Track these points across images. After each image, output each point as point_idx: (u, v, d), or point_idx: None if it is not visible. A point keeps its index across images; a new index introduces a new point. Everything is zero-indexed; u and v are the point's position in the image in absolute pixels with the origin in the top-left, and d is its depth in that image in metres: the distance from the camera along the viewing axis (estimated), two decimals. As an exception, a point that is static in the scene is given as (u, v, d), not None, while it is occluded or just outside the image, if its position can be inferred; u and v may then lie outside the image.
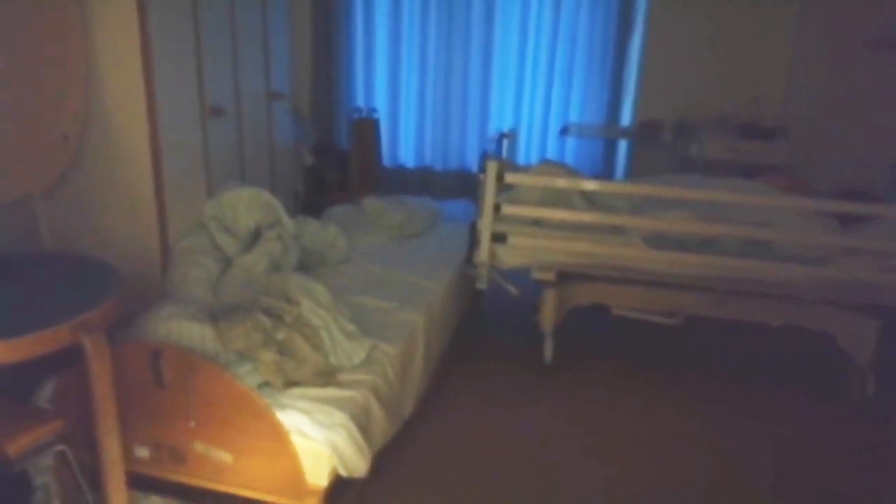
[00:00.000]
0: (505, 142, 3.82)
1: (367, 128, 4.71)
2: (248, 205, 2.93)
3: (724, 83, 4.44)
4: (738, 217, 2.98)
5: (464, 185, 4.89)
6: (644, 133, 4.59)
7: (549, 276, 3.05)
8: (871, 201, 2.99)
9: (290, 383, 2.12)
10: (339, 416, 1.99)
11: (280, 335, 2.17)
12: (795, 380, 3.20)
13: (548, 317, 3.10)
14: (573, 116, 4.77)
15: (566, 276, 3.10)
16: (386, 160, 4.95)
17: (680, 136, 4.45)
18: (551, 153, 4.85)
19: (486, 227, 2.99)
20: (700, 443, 2.69)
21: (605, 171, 4.83)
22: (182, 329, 2.16)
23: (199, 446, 2.03)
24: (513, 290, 3.11)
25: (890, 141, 3.85)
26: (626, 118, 4.74)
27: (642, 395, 3.01)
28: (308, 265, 3.06)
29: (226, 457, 2.01)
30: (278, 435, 1.91)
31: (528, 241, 3.00)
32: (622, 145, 4.85)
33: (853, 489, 2.48)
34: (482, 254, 3.02)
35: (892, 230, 2.79)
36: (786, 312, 3.01)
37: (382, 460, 2.29)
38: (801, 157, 4.08)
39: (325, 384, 2.14)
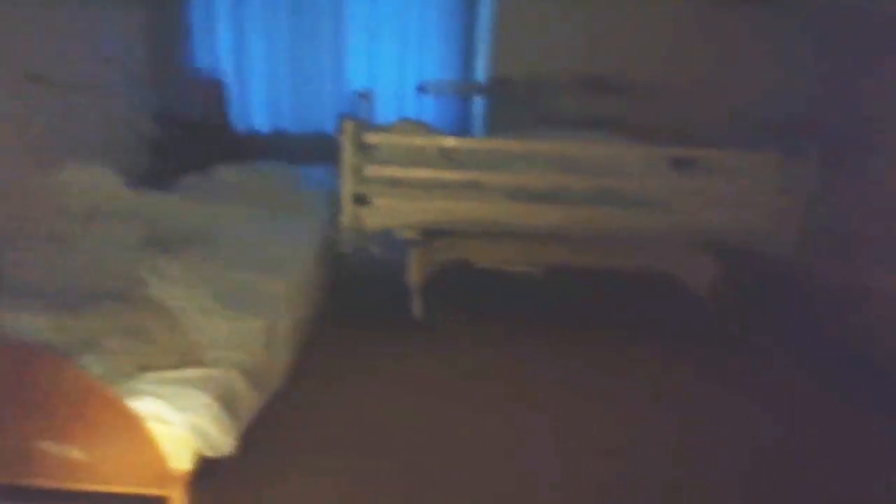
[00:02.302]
0: (362, 101, 3.75)
1: (213, 92, 4.44)
2: (83, 182, 2.69)
3: (574, 42, 4.57)
4: (589, 168, 3.12)
5: (325, 148, 4.75)
6: (498, 90, 4.67)
7: (414, 234, 3.07)
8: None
9: (144, 368, 1.99)
10: (200, 397, 1.89)
11: (128, 319, 2.03)
12: (665, 325, 3.36)
13: (415, 274, 3.13)
14: (429, 74, 4.76)
15: (431, 234, 3.13)
16: (237, 125, 4.71)
17: (533, 93, 4.58)
18: (410, 112, 4.82)
19: (347, 189, 2.94)
20: (582, 388, 2.80)
21: (463, 129, 4.88)
22: (13, 321, 1.96)
23: (45, 446, 1.86)
24: (376, 250, 3.10)
25: (729, 94, 4.17)
26: (480, 76, 4.80)
27: (524, 349, 3.08)
28: (160, 242, 2.86)
29: (77, 453, 1.86)
30: (132, 423, 1.79)
31: (391, 201, 3.00)
32: (479, 103, 4.91)
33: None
34: (345, 217, 2.98)
35: (721, 174, 3.05)
36: (636, 257, 3.22)
37: (258, 437, 2.21)
38: (643, 111, 4.32)
39: (184, 365, 2.03)
